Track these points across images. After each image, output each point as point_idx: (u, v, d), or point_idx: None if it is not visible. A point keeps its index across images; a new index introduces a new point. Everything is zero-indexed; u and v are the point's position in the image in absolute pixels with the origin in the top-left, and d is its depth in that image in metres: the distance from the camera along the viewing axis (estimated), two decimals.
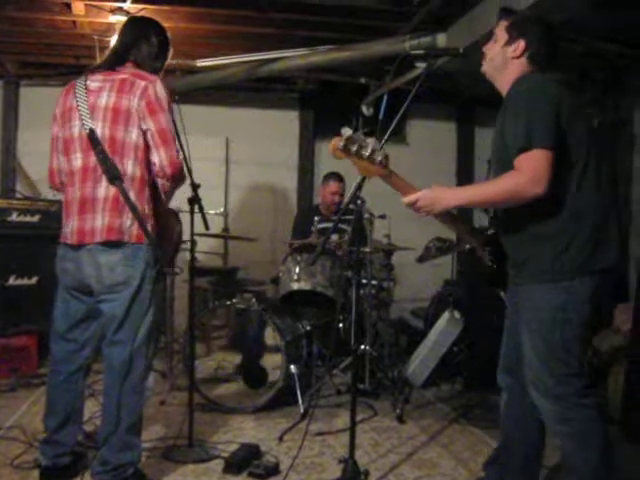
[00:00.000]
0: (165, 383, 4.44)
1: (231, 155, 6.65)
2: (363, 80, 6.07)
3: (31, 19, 4.72)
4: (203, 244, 4.74)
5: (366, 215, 4.33)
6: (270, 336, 4.12)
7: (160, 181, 2.74)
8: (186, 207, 3.20)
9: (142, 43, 2.84)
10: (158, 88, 2.70)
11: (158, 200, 2.81)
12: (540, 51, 2.42)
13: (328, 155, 6.95)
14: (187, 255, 3.35)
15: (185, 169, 2.83)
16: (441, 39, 4.57)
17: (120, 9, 4.31)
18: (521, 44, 2.43)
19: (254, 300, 4.26)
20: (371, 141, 2.50)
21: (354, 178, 2.76)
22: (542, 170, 2.18)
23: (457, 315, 4.83)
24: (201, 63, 5.30)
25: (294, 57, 5.09)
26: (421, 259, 4.86)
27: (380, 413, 4.07)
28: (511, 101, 2.32)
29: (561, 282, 2.28)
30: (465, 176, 6.99)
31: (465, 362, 4.81)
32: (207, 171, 5.63)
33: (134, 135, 2.67)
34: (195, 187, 3.14)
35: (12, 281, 4.77)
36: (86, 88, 2.72)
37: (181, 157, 2.77)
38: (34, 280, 4.87)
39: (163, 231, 2.87)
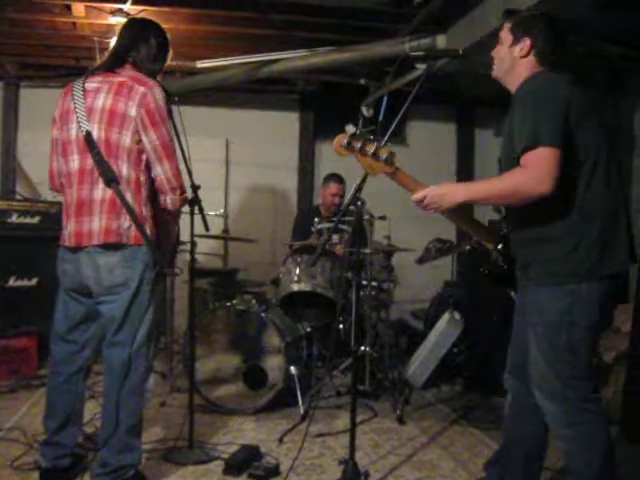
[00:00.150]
0: (165, 384, 4.45)
1: (231, 156, 6.65)
2: (363, 81, 6.07)
3: (31, 21, 4.72)
4: (203, 245, 4.73)
5: (366, 216, 4.33)
6: (270, 337, 4.12)
7: (168, 197, 2.74)
8: (186, 208, 3.20)
9: (141, 44, 2.84)
10: (157, 95, 2.69)
11: (155, 202, 2.80)
12: (547, 47, 2.41)
13: (328, 156, 7.02)
14: (187, 256, 3.35)
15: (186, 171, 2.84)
16: (441, 40, 4.57)
17: (120, 10, 4.31)
18: (527, 43, 2.42)
19: (254, 301, 4.26)
20: (376, 138, 2.51)
21: (354, 179, 2.76)
22: (548, 168, 2.16)
23: (457, 316, 4.84)
24: (201, 64, 5.31)
25: (294, 58, 5.09)
26: (421, 260, 4.87)
27: (380, 414, 4.07)
28: (520, 100, 2.30)
29: (567, 285, 2.27)
30: (465, 177, 6.99)
31: (465, 363, 4.81)
32: (207, 172, 5.62)
33: (128, 139, 2.66)
34: (195, 188, 3.14)
35: (12, 282, 4.78)
36: (84, 90, 2.72)
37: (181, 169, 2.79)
38: (34, 281, 4.88)
39: (162, 232, 2.86)
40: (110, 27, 4.57)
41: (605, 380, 3.96)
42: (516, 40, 2.45)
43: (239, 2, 4.35)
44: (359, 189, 2.74)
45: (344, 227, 5.06)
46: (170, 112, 2.77)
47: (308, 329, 4.40)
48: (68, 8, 4.42)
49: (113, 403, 2.66)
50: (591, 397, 2.31)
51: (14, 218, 4.87)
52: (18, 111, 6.28)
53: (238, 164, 6.65)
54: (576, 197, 2.27)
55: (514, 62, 2.46)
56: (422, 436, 3.73)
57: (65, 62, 5.86)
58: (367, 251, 4.37)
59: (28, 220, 4.94)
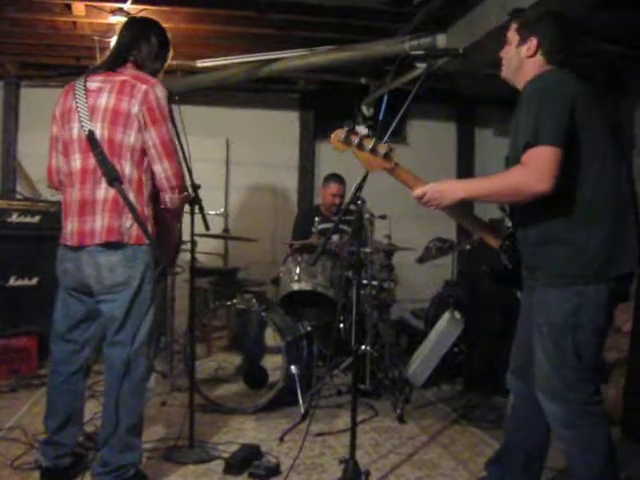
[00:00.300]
0: (166, 384, 4.44)
1: (231, 156, 6.66)
2: (363, 80, 6.08)
3: (31, 20, 4.72)
4: (203, 245, 4.73)
5: (366, 215, 4.32)
6: (270, 337, 4.12)
7: (167, 196, 2.74)
8: (186, 208, 3.20)
9: (142, 43, 2.84)
10: (159, 93, 2.69)
11: (157, 201, 2.80)
12: (554, 46, 2.39)
13: (328, 155, 7.02)
14: (187, 255, 3.35)
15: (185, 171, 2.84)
16: (441, 40, 4.57)
17: (120, 10, 4.31)
18: (533, 42, 2.41)
19: (254, 300, 4.26)
20: (374, 134, 2.51)
21: (355, 179, 2.76)
22: (547, 167, 2.15)
23: (457, 315, 4.84)
24: (201, 64, 5.31)
25: (294, 58, 5.09)
26: (421, 259, 4.87)
27: (381, 413, 4.07)
28: (526, 97, 2.28)
29: (574, 286, 2.25)
30: (465, 176, 6.96)
31: (466, 362, 4.81)
32: (207, 172, 5.61)
33: (132, 138, 2.66)
34: (195, 188, 3.14)
35: (12, 282, 4.78)
36: (85, 89, 2.72)
37: (183, 169, 2.78)
38: (34, 281, 4.88)
39: (163, 231, 2.86)
40: (110, 26, 4.57)
41: (606, 380, 3.96)
42: (523, 40, 2.44)
43: (239, 1, 4.36)
44: (359, 188, 2.74)
45: (344, 227, 5.06)
46: (171, 111, 2.77)
47: (308, 328, 4.40)
48: (68, 7, 4.42)
49: (113, 402, 2.66)
50: (593, 399, 2.30)
51: (14, 217, 4.87)
52: (18, 111, 6.29)
53: (238, 163, 6.65)
54: (583, 197, 2.25)
55: (522, 62, 2.45)
56: (423, 435, 3.73)
57: (65, 61, 5.87)
58: (367, 250, 4.37)
59: (28, 219, 4.94)
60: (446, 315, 4.86)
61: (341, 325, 4.71)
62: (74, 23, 4.77)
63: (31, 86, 6.27)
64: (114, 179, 2.63)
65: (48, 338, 2.93)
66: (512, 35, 2.49)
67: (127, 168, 2.66)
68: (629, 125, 5.79)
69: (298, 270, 4.25)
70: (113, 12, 4.35)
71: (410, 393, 4.46)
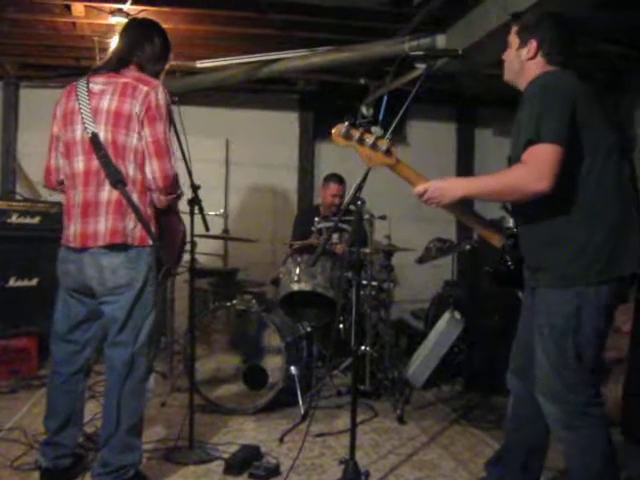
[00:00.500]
0: (166, 384, 4.45)
1: (231, 156, 6.65)
2: (363, 81, 6.07)
3: (31, 21, 4.72)
4: (203, 245, 4.73)
5: (366, 216, 4.32)
6: (270, 337, 4.12)
7: (154, 195, 2.73)
8: (186, 208, 3.20)
9: (146, 44, 2.83)
10: (160, 94, 2.69)
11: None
12: (553, 48, 2.40)
13: (328, 156, 7.01)
14: (187, 256, 3.35)
15: (179, 182, 2.80)
16: (440, 40, 4.57)
17: (120, 10, 4.31)
18: (533, 44, 2.42)
19: (254, 301, 4.26)
20: (376, 129, 2.51)
21: (355, 179, 2.76)
22: (548, 165, 2.15)
23: (457, 316, 4.84)
24: (201, 64, 5.31)
25: (294, 58, 5.09)
26: (421, 260, 4.88)
27: (380, 414, 4.07)
28: (527, 97, 2.29)
29: (575, 287, 2.25)
30: (465, 176, 6.99)
31: (465, 363, 4.81)
32: (207, 172, 5.62)
33: (135, 139, 2.66)
34: (195, 188, 3.14)
35: (12, 283, 4.78)
36: (88, 90, 2.72)
37: (175, 170, 2.74)
38: (34, 282, 4.88)
39: (167, 233, 2.87)
40: (110, 27, 4.57)
41: (605, 380, 3.96)
42: (523, 43, 2.45)
43: (239, 2, 4.36)
44: (359, 188, 2.74)
45: (344, 227, 5.06)
46: (171, 114, 2.77)
47: (308, 329, 4.40)
48: (68, 8, 4.42)
49: (114, 403, 2.66)
50: (593, 401, 2.30)
51: (14, 218, 4.88)
52: (18, 111, 6.28)
53: (238, 164, 6.65)
54: (584, 197, 2.25)
55: (523, 65, 2.45)
56: (422, 436, 3.73)
57: (65, 62, 5.87)
58: (367, 251, 4.37)
59: (28, 220, 4.94)
60: (446, 315, 4.86)
61: (341, 326, 4.71)
62: (74, 24, 4.77)
63: (31, 87, 6.26)
64: (118, 181, 2.62)
65: (48, 339, 2.93)
66: (512, 38, 2.50)
67: (131, 170, 2.66)
68: (629, 124, 5.79)
69: (298, 271, 4.25)
70: (113, 13, 4.34)
71: (410, 394, 4.46)
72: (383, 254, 4.75)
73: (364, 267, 4.48)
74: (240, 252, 6.28)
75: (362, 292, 4.45)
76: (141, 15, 4.18)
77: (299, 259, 4.30)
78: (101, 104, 2.68)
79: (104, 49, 4.69)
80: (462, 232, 6.64)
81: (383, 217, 4.49)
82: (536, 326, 2.37)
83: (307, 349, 4.32)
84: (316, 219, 4.83)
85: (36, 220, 4.98)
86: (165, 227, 2.85)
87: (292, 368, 3.95)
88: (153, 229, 2.71)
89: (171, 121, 2.77)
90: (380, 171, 2.70)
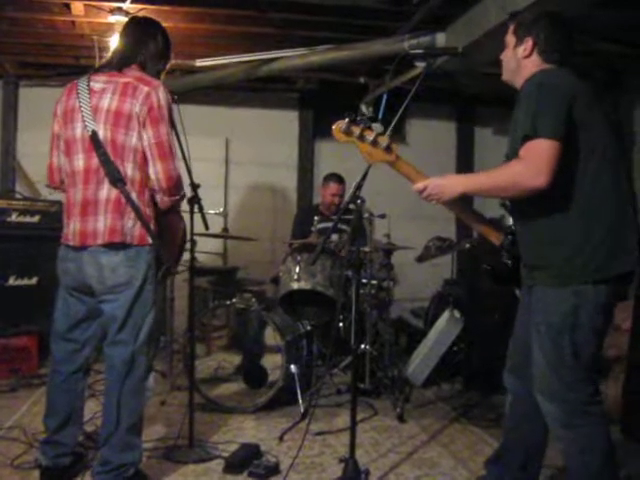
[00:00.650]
0: (165, 383, 4.45)
1: (231, 155, 6.65)
2: (362, 79, 6.07)
3: (30, 19, 4.72)
4: (203, 244, 4.72)
5: (366, 214, 4.32)
6: (270, 336, 4.12)
7: (157, 196, 2.74)
8: (186, 207, 3.20)
9: (150, 43, 2.83)
10: (161, 95, 2.69)
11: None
12: (549, 45, 2.40)
13: (328, 155, 7.01)
14: (187, 255, 3.35)
15: (182, 183, 2.81)
16: (440, 38, 4.57)
17: (119, 9, 4.31)
18: (529, 42, 2.42)
19: (254, 300, 4.26)
20: (376, 126, 2.51)
21: (354, 178, 2.76)
22: (544, 160, 2.15)
23: (457, 314, 4.84)
24: (200, 63, 5.30)
25: (293, 57, 5.09)
26: (421, 258, 4.88)
27: (380, 412, 4.07)
28: (524, 93, 2.29)
29: (572, 286, 2.24)
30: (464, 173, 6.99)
31: (465, 361, 4.81)
32: (207, 171, 5.63)
33: (134, 139, 2.66)
34: (195, 187, 3.14)
35: (12, 281, 4.78)
36: (89, 89, 2.71)
37: (178, 171, 2.75)
38: (34, 280, 4.88)
39: (167, 232, 2.87)
40: (109, 26, 4.57)
41: (605, 378, 3.97)
42: (519, 41, 2.46)
43: (239, 1, 4.36)
44: (359, 187, 2.74)
45: (343, 227, 5.06)
46: (171, 114, 2.77)
47: (308, 327, 4.40)
48: (67, 7, 4.42)
49: (114, 402, 2.66)
50: (591, 399, 2.30)
51: (14, 217, 4.87)
52: (17, 110, 6.28)
53: (238, 163, 6.65)
54: (582, 196, 2.25)
55: (519, 63, 2.46)
56: (422, 434, 3.73)
57: (64, 61, 5.87)
58: (367, 249, 4.37)
59: (28, 219, 4.94)
60: (445, 314, 4.87)
61: (340, 324, 4.71)
62: (73, 22, 4.77)
63: (30, 85, 6.26)
64: (117, 179, 2.63)
65: (48, 337, 2.93)
66: (509, 37, 2.51)
67: (129, 169, 2.66)
68: (628, 123, 5.80)
69: (297, 269, 4.25)
70: (112, 11, 4.34)
71: (410, 392, 4.46)
72: (383, 253, 4.75)
73: (364, 266, 4.48)
74: (240, 251, 6.29)
75: (362, 291, 4.45)
76: (141, 14, 4.17)
77: (299, 258, 4.30)
78: (101, 103, 2.68)
79: (103, 48, 4.69)
80: (462, 231, 6.64)
81: (383, 216, 4.49)
82: (533, 324, 2.37)
83: (307, 348, 4.32)
84: (316, 218, 4.83)
85: (36, 219, 4.98)
86: (165, 226, 2.85)
87: (292, 367, 3.95)
88: (153, 228, 2.71)
89: (172, 121, 2.77)
90: (380, 170, 2.70)
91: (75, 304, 2.81)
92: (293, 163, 6.81)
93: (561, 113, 2.18)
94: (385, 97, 2.74)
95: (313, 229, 4.81)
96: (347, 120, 2.55)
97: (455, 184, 2.40)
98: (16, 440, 3.31)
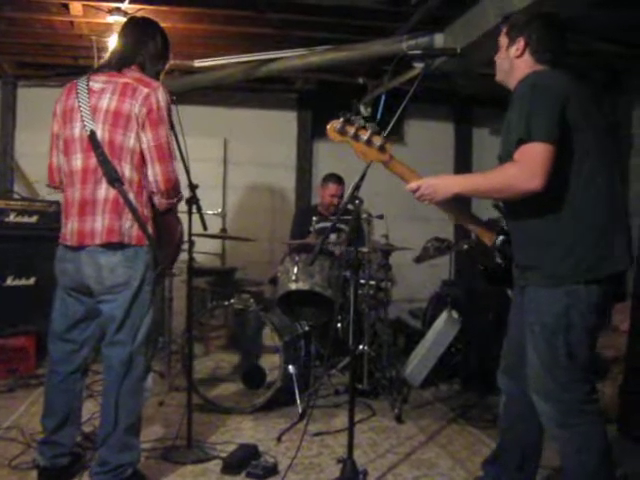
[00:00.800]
0: (164, 384, 4.44)
1: (229, 155, 6.65)
2: (361, 80, 6.07)
3: (28, 19, 4.71)
4: (201, 244, 4.73)
5: (364, 215, 4.33)
6: (268, 336, 4.12)
7: (155, 198, 2.74)
8: (184, 207, 3.20)
9: (149, 44, 2.83)
10: (160, 96, 2.69)
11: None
12: (541, 45, 2.41)
13: (326, 155, 7.01)
14: (185, 255, 3.35)
15: (180, 186, 2.82)
16: (438, 39, 4.57)
17: (118, 9, 4.30)
18: (521, 42, 2.43)
19: (252, 300, 4.26)
20: (370, 126, 2.52)
21: (353, 178, 2.76)
22: (540, 163, 2.16)
23: (455, 315, 4.84)
24: (199, 63, 5.30)
25: (292, 57, 5.09)
26: (419, 259, 4.88)
27: (378, 413, 4.07)
28: (517, 95, 2.30)
29: (564, 286, 2.25)
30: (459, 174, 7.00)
31: (463, 362, 4.81)
32: (205, 171, 5.64)
33: (132, 140, 2.66)
34: (193, 187, 3.14)
35: (10, 282, 4.77)
36: (88, 89, 2.71)
37: (176, 174, 2.75)
38: (32, 281, 4.87)
39: (164, 233, 2.87)
40: (108, 26, 4.57)
41: (603, 378, 3.97)
42: (512, 42, 2.47)
43: (237, 1, 4.36)
44: (357, 188, 2.75)
45: (342, 227, 5.06)
46: (170, 115, 2.76)
47: (306, 328, 4.40)
48: (65, 7, 4.41)
49: (112, 402, 2.66)
50: (587, 398, 2.30)
51: (12, 217, 4.87)
52: (16, 110, 6.28)
53: (236, 163, 6.65)
54: (574, 198, 2.26)
55: (512, 63, 2.47)
56: (420, 435, 3.73)
57: (63, 61, 5.86)
58: (365, 250, 4.37)
59: (26, 219, 4.94)
60: (443, 315, 4.87)
61: (339, 325, 4.71)
62: (71, 23, 4.76)
63: (28, 86, 6.26)
64: (115, 180, 2.63)
65: (46, 338, 2.92)
66: (503, 39, 2.53)
67: (127, 170, 2.66)
68: (626, 124, 5.80)
69: (296, 270, 4.25)
70: (110, 12, 4.34)
71: (408, 393, 4.46)
72: (381, 253, 4.75)
73: (362, 266, 4.48)
74: (238, 251, 6.29)
75: (360, 291, 4.45)
76: (139, 14, 4.17)
77: (297, 258, 4.30)
78: (100, 103, 2.68)
79: (102, 48, 4.69)
80: (460, 231, 6.64)
81: (381, 216, 4.49)
82: (527, 325, 2.38)
83: (305, 348, 4.32)
84: (314, 219, 4.82)
85: (34, 219, 4.97)
86: (163, 227, 2.85)
87: (290, 367, 3.95)
88: (150, 229, 2.71)
89: (171, 122, 2.77)
90: (378, 170, 2.70)
91: (73, 304, 2.81)
92: (291, 163, 6.81)
93: (555, 115, 2.19)
94: (383, 98, 2.75)
95: (311, 229, 4.81)
96: (342, 120, 2.56)
97: (449, 184, 2.40)
98: (14, 440, 3.31)
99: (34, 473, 2.86)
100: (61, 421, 2.82)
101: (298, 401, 3.89)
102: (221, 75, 5.50)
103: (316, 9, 4.41)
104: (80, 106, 2.69)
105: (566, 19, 2.52)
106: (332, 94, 6.51)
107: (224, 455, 3.19)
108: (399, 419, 3.94)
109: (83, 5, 4.36)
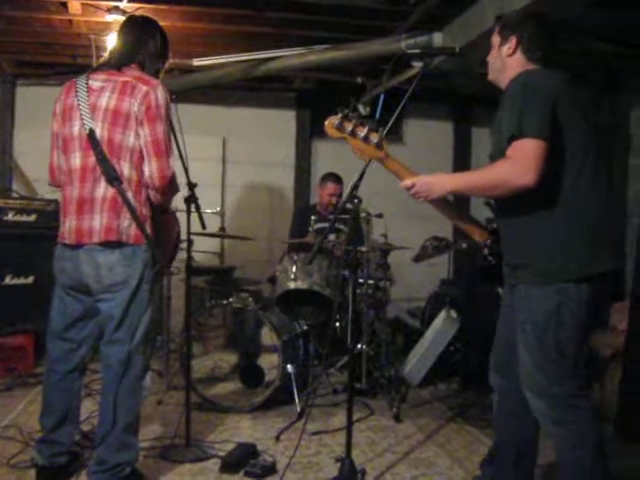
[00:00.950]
0: (162, 382, 4.45)
1: (228, 154, 6.65)
2: (360, 79, 6.07)
3: (27, 18, 4.71)
4: (200, 243, 4.73)
5: (363, 214, 4.32)
6: (267, 335, 4.12)
7: (150, 192, 2.74)
8: (183, 206, 3.20)
9: (149, 43, 2.83)
10: (159, 94, 2.68)
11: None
12: (533, 44, 2.43)
13: (325, 154, 7.01)
14: (184, 254, 3.35)
15: (176, 182, 2.81)
16: (437, 38, 4.57)
17: (116, 8, 4.30)
18: (513, 41, 2.46)
19: (251, 299, 4.26)
20: (368, 123, 2.53)
21: (352, 177, 2.76)
22: (533, 159, 2.17)
23: (454, 314, 4.84)
24: (198, 62, 5.30)
25: (290, 56, 5.08)
26: (417, 258, 4.87)
27: (377, 412, 4.07)
28: (509, 93, 2.32)
29: (555, 284, 2.27)
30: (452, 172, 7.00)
31: (462, 361, 4.81)
32: (204, 170, 5.63)
33: (132, 138, 2.66)
34: (192, 186, 3.14)
35: (8, 280, 4.77)
36: (87, 87, 2.71)
37: (173, 170, 2.75)
38: (30, 279, 4.87)
39: (162, 232, 2.86)
40: (107, 25, 4.56)
41: (601, 378, 3.98)
42: (504, 40, 2.50)
43: (236, 0, 4.35)
44: (356, 187, 2.75)
45: (341, 226, 5.06)
46: (169, 114, 2.76)
47: (305, 327, 4.40)
48: (64, 5, 4.41)
49: (111, 401, 2.66)
50: (580, 393, 2.32)
51: (10, 216, 4.86)
52: (14, 109, 6.28)
53: (235, 162, 6.65)
54: (563, 196, 2.28)
55: (504, 62, 2.50)
56: (419, 434, 3.73)
57: (62, 60, 5.85)
58: (364, 249, 4.37)
59: (24, 218, 4.93)
60: (442, 314, 4.87)
61: (337, 324, 4.71)
62: (70, 21, 4.76)
63: (27, 84, 6.26)
64: (114, 178, 2.62)
65: (44, 336, 2.93)
66: (495, 38, 2.55)
67: (126, 169, 2.66)
68: (625, 125, 5.80)
69: (294, 269, 4.25)
70: (109, 10, 4.34)
71: (406, 392, 4.46)
72: (379, 252, 4.75)
73: (360, 265, 4.48)
74: (237, 250, 6.29)
75: (358, 290, 4.45)
76: (138, 13, 4.17)
77: (296, 257, 4.30)
78: (99, 101, 2.68)
79: (101, 47, 4.69)
80: (458, 231, 6.63)
81: (379, 215, 4.49)
82: (518, 323, 2.40)
83: (303, 347, 4.32)
84: (313, 218, 4.82)
85: (32, 218, 4.97)
86: (160, 226, 2.85)
87: (288, 366, 3.95)
88: (148, 228, 2.71)
89: (169, 121, 2.77)
90: (377, 170, 2.71)
91: (72, 303, 2.81)
92: (290, 162, 6.81)
93: (546, 113, 2.21)
94: (382, 97, 2.75)
95: (310, 229, 4.81)
96: (340, 116, 2.57)
97: (444, 182, 2.42)
98: (12, 439, 3.31)
99: (32, 472, 2.86)
100: (59, 420, 2.82)
101: (296, 400, 3.89)
102: (220, 74, 5.50)
103: (315, 8, 4.41)
104: (79, 104, 2.68)
105: (564, 19, 2.54)
106: (331, 93, 6.50)
107: (222, 454, 3.19)
108: (397, 418, 3.94)
109: (82, 4, 4.36)
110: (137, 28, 2.89)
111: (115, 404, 2.66)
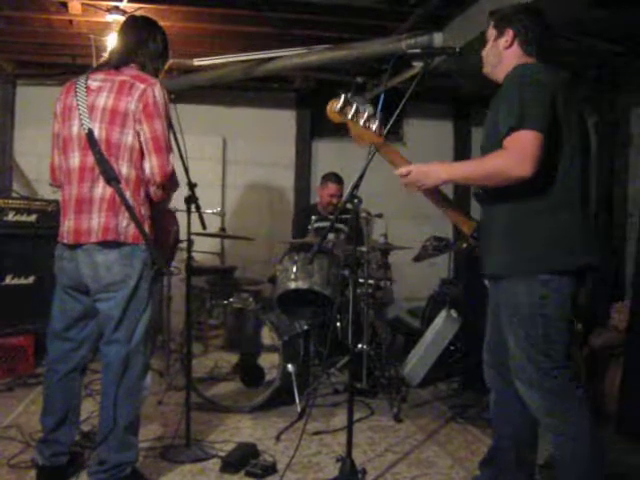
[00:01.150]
0: (162, 382, 4.44)
1: (228, 154, 6.65)
2: (360, 79, 6.07)
3: (27, 18, 4.71)
4: (200, 243, 4.73)
5: (363, 214, 4.32)
6: (267, 335, 4.12)
7: (150, 189, 2.74)
8: (183, 206, 3.20)
9: (150, 42, 2.83)
10: (157, 92, 2.68)
11: (153, 202, 2.80)
12: (530, 36, 2.44)
13: (325, 154, 7.01)
14: (184, 254, 3.35)
15: (176, 177, 2.81)
16: (438, 38, 4.56)
17: (116, 8, 4.30)
18: (510, 33, 2.46)
19: (251, 299, 4.26)
20: (369, 109, 2.54)
21: (351, 177, 2.77)
22: (529, 151, 2.18)
23: (454, 314, 4.84)
24: (198, 62, 5.30)
25: (291, 56, 5.08)
26: (418, 258, 4.87)
27: (377, 412, 4.07)
28: (506, 86, 2.33)
29: (540, 276, 2.29)
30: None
31: (462, 361, 4.81)
32: (204, 170, 5.64)
33: (130, 137, 2.66)
34: (192, 186, 3.14)
35: (9, 281, 4.77)
36: (86, 87, 2.72)
37: (172, 166, 2.75)
38: (31, 280, 4.87)
39: (160, 232, 2.86)
40: (107, 25, 4.56)
41: (601, 376, 3.98)
42: (500, 33, 2.50)
43: (236, 0, 4.35)
44: (356, 187, 2.75)
45: (341, 226, 5.06)
46: (168, 112, 2.76)
47: (305, 327, 4.40)
48: (64, 6, 4.41)
49: (111, 401, 2.66)
50: (571, 384, 2.33)
51: (11, 216, 4.86)
52: (14, 109, 6.28)
53: (235, 162, 6.65)
54: (550, 190, 2.30)
55: (500, 55, 2.50)
56: (419, 434, 3.73)
57: (62, 60, 5.85)
58: (364, 249, 4.37)
59: (25, 218, 4.93)
60: (442, 314, 4.87)
61: (338, 324, 4.71)
62: (70, 21, 4.76)
63: (27, 84, 6.26)
64: (112, 178, 2.63)
65: (45, 337, 2.93)
66: (490, 31, 2.56)
67: (124, 168, 2.66)
68: (625, 124, 5.79)
69: (295, 269, 4.25)
70: (109, 10, 4.34)
71: (406, 392, 4.46)
72: (380, 252, 4.75)
73: (361, 265, 4.48)
74: (237, 250, 6.29)
75: (359, 290, 4.45)
76: (138, 13, 4.17)
77: (296, 257, 4.30)
78: (97, 101, 2.68)
79: (101, 47, 4.69)
80: (458, 230, 6.63)
81: (380, 215, 4.49)
82: (505, 317, 2.42)
83: (304, 347, 4.32)
84: (313, 218, 4.82)
85: (33, 218, 4.97)
86: (159, 226, 2.85)
87: (289, 366, 3.95)
88: (147, 228, 2.71)
89: (169, 119, 2.77)
90: (377, 170, 2.71)
91: (71, 303, 2.81)
92: (290, 162, 6.81)
93: (544, 107, 2.22)
94: (382, 97, 2.75)
95: (310, 228, 4.81)
96: (342, 99, 2.58)
97: (439, 171, 2.43)
98: (13, 439, 3.31)
99: (33, 472, 2.86)
100: (60, 420, 2.82)
101: (297, 400, 3.89)
102: (220, 74, 5.50)
103: (315, 8, 4.42)
104: (78, 104, 2.69)
105: (565, 18, 2.54)
106: (331, 93, 6.50)
107: (223, 454, 3.19)
108: (398, 418, 3.94)
109: (82, 4, 4.36)
110: (137, 28, 2.89)
111: (115, 404, 2.66)
